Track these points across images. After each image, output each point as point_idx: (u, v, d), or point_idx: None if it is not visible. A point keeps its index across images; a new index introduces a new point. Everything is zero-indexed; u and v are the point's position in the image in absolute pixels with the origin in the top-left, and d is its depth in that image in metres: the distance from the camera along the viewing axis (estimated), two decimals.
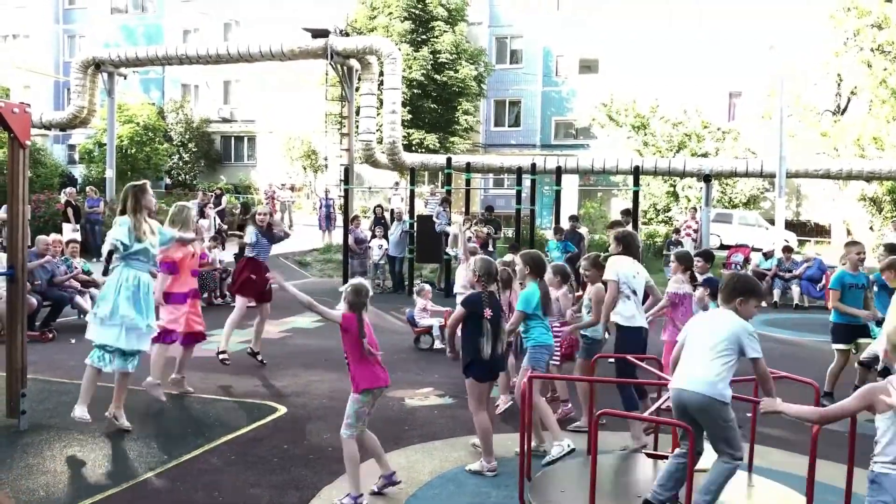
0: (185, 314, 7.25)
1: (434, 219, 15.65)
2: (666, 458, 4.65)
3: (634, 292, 6.10)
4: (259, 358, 8.71)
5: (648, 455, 5.36)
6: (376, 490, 4.96)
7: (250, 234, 8.64)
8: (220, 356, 8.31)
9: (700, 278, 7.42)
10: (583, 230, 15.99)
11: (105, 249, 6.18)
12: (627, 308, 6.05)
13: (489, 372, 5.39)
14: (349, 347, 4.88)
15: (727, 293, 4.25)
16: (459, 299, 7.84)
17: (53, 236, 11.56)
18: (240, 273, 8.67)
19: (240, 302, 8.58)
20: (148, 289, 6.22)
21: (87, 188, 21.00)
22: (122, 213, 6.15)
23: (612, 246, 6.50)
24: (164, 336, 7.03)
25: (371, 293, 5.03)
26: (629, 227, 15.38)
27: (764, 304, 15.27)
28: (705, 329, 4.23)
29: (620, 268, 6.10)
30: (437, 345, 10.06)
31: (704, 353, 4.11)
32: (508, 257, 7.81)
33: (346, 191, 16.97)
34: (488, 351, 5.23)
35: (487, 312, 5.26)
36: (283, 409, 6.84)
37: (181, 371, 7.54)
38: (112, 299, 6.00)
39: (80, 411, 6.01)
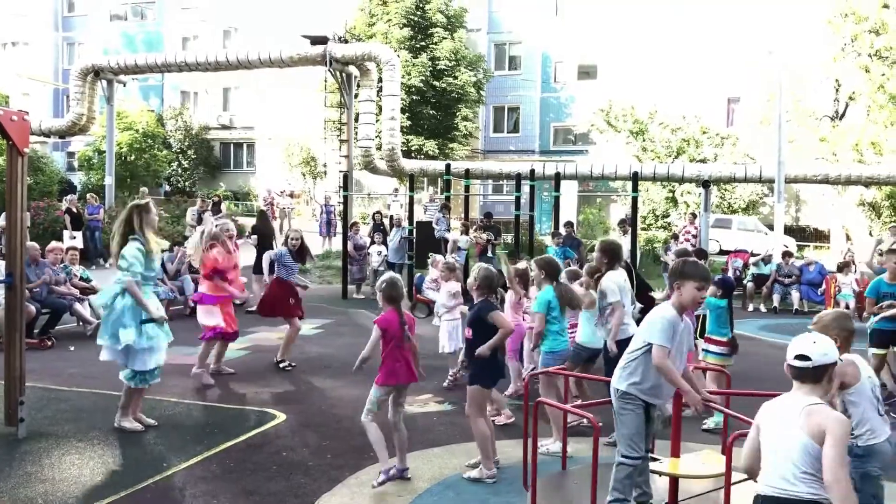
0: (222, 313, 7.99)
1: (434, 225, 15.65)
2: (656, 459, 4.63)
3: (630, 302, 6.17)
4: (283, 365, 8.84)
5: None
6: (377, 484, 5.10)
7: (281, 254, 8.95)
8: (281, 364, 8.78)
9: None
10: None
11: (128, 286, 6.17)
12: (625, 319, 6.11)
13: (494, 378, 5.46)
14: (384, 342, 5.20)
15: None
16: (444, 313, 7.91)
17: (53, 244, 11.54)
18: (273, 295, 8.90)
19: (291, 322, 8.91)
20: (157, 306, 6.44)
21: (88, 195, 21.01)
22: (130, 233, 6.17)
23: (596, 255, 6.41)
24: (208, 333, 7.87)
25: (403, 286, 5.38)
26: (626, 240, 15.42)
27: (763, 308, 15.28)
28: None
29: (619, 284, 6.08)
30: (436, 321, 10.00)
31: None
32: (522, 264, 7.74)
33: (345, 197, 16.96)
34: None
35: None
36: (282, 417, 6.82)
37: (218, 362, 8.31)
38: (134, 326, 6.10)
39: (129, 423, 6.31)
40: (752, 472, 3.12)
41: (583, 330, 6.59)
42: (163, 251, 8.43)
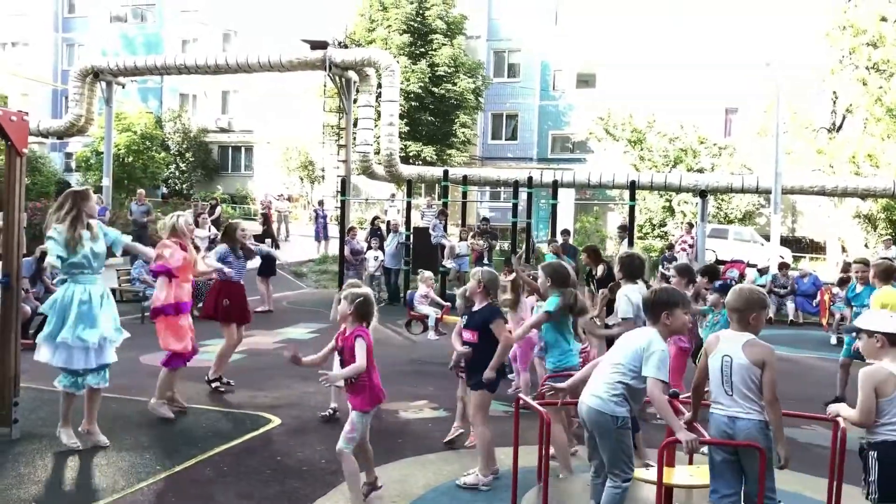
0: (188, 331, 6.98)
1: (430, 231, 15.67)
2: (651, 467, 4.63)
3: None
4: (225, 381, 8.02)
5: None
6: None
7: (223, 251, 8.00)
8: (214, 384, 7.88)
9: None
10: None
11: (49, 267, 5.95)
12: None
13: (497, 382, 5.47)
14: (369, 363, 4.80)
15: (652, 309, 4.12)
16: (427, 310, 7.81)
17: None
18: (216, 298, 7.93)
19: (226, 331, 8.01)
20: (102, 300, 5.92)
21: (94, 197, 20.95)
22: (59, 220, 5.75)
23: (613, 269, 6.45)
24: (174, 360, 6.90)
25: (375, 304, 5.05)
26: (624, 247, 15.46)
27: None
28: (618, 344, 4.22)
29: (634, 299, 5.85)
30: (431, 335, 10.00)
31: (606, 368, 4.10)
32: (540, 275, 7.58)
33: (342, 202, 16.98)
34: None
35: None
36: (276, 421, 6.81)
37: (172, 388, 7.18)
38: (55, 321, 5.73)
39: (67, 437, 5.88)
40: None
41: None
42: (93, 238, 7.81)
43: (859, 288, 8.21)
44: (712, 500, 3.98)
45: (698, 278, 7.58)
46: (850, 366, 8.00)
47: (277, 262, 14.49)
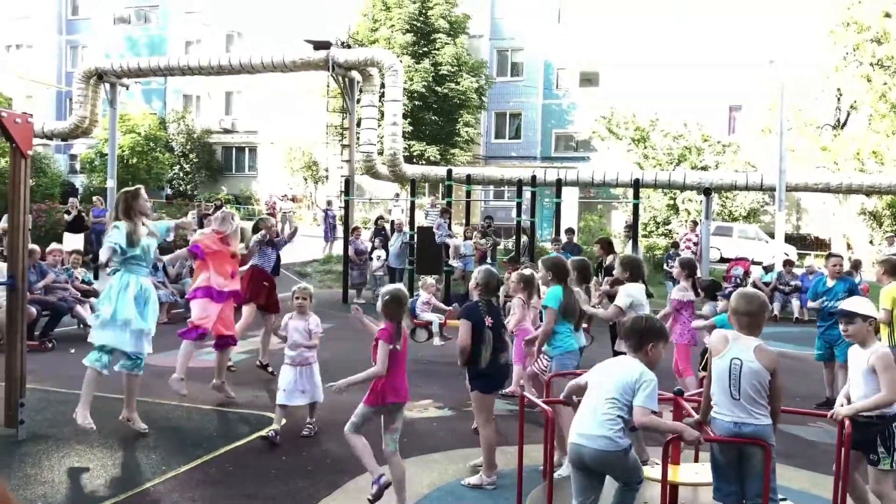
0: (215, 314, 7.37)
1: (434, 230, 15.67)
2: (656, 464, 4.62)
3: None
4: (269, 370, 8.61)
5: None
6: (372, 498, 4.85)
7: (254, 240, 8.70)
8: (267, 367, 8.55)
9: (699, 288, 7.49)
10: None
11: (103, 254, 6.18)
12: None
13: (493, 383, 5.40)
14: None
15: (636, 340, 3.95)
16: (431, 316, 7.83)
17: (53, 245, 11.56)
18: (250, 281, 8.53)
19: (248, 311, 8.56)
20: (149, 293, 6.29)
21: (95, 198, 21.04)
22: (117, 218, 6.23)
23: (617, 270, 6.56)
24: (191, 332, 7.29)
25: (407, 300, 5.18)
26: (629, 246, 15.46)
27: (766, 309, 15.25)
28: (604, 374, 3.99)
29: (634, 297, 6.20)
30: (437, 341, 10.00)
31: (599, 404, 3.85)
32: (527, 271, 7.59)
33: (346, 202, 16.99)
34: (487, 359, 5.22)
35: (488, 321, 5.27)
36: (282, 421, 6.81)
37: (220, 376, 7.58)
38: (113, 301, 6.07)
39: (83, 418, 6.01)
40: None
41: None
42: (162, 253, 8.46)
43: (830, 282, 8.23)
44: (716, 499, 3.98)
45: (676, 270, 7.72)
46: (832, 366, 8.09)
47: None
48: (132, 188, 6.45)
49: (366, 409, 4.88)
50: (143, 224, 6.32)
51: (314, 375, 6.53)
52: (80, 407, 6.06)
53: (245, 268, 8.61)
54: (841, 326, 4.43)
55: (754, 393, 3.82)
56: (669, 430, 3.95)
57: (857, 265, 13.80)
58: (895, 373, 4.10)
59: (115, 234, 6.09)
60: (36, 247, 10.72)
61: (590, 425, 3.81)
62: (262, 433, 6.28)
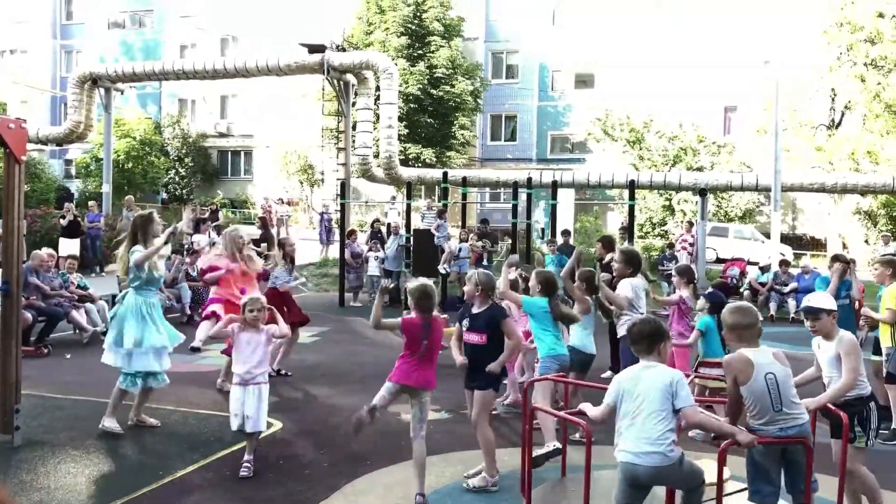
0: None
1: (433, 231, 15.64)
2: None
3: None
4: (283, 372, 8.88)
5: None
6: None
7: (280, 270, 8.88)
8: (282, 372, 8.77)
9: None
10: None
11: (133, 265, 6.43)
12: None
13: (500, 382, 5.51)
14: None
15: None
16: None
17: (46, 250, 11.51)
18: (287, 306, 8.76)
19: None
20: (158, 310, 6.68)
21: (90, 203, 21.00)
22: (134, 242, 6.50)
23: (619, 266, 6.51)
24: (208, 314, 7.70)
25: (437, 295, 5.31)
26: (626, 244, 15.46)
27: (760, 317, 15.27)
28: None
29: (635, 289, 6.30)
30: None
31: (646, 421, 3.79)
32: (512, 274, 7.54)
33: (342, 205, 16.99)
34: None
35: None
36: (278, 424, 6.81)
37: (225, 376, 7.89)
38: (136, 328, 6.36)
39: (111, 423, 6.39)
40: None
41: (576, 334, 6.63)
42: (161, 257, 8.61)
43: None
44: (753, 500, 4.00)
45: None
46: None
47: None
48: (146, 213, 6.78)
49: (387, 384, 5.17)
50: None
51: (261, 401, 5.65)
52: (109, 414, 6.44)
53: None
54: (808, 323, 4.64)
55: (792, 396, 3.94)
56: (723, 432, 3.96)
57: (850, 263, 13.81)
58: (857, 359, 4.41)
59: (139, 257, 6.43)
60: (42, 253, 10.75)
61: (639, 443, 3.77)
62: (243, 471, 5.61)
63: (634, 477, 3.79)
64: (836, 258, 8.75)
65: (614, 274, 7.08)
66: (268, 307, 5.82)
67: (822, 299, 4.63)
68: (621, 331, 6.58)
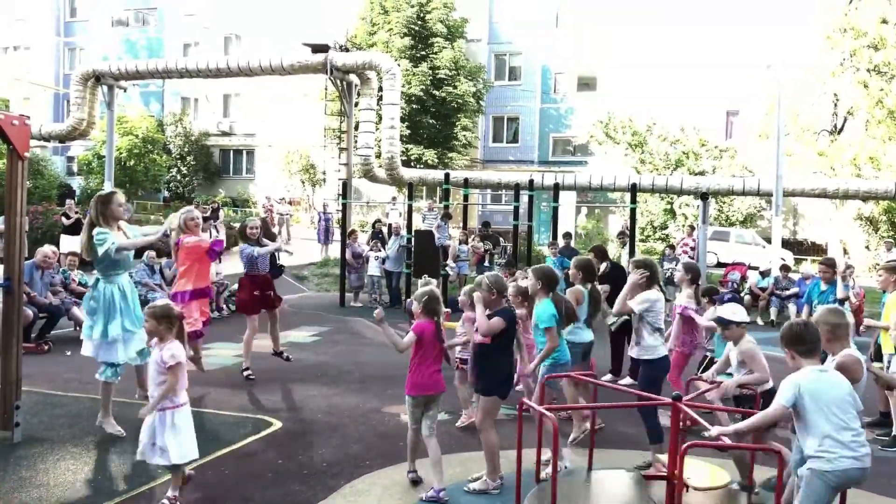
0: (198, 312, 7.79)
1: (434, 230, 15.64)
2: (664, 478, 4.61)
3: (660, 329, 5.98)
4: (285, 356, 8.90)
5: (647, 477, 5.30)
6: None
7: (243, 248, 8.63)
8: (245, 373, 8.52)
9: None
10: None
11: (101, 252, 6.27)
12: (656, 339, 5.89)
13: (509, 388, 5.47)
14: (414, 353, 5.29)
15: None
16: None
17: (49, 248, 11.51)
18: (243, 291, 8.63)
19: (250, 321, 8.59)
20: (132, 293, 6.54)
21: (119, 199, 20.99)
22: (95, 223, 6.30)
23: (616, 267, 6.46)
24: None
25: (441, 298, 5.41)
26: (626, 251, 15.45)
27: (761, 321, 15.29)
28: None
29: (658, 303, 5.98)
30: None
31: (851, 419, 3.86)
32: (524, 282, 7.43)
33: (344, 205, 16.99)
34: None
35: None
36: (277, 424, 6.81)
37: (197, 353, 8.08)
38: (102, 320, 6.27)
39: (110, 427, 6.31)
40: None
41: (568, 327, 6.63)
42: (159, 255, 8.70)
43: (824, 286, 8.52)
44: None
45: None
46: None
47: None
48: (105, 192, 6.55)
49: (407, 399, 5.32)
50: (120, 229, 6.44)
51: (174, 430, 4.81)
52: (102, 415, 6.36)
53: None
54: (719, 331, 5.58)
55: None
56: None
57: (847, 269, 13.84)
58: (760, 359, 5.33)
59: (107, 237, 6.25)
60: (47, 250, 10.71)
61: (857, 447, 3.78)
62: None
63: (851, 481, 3.83)
64: (826, 263, 8.81)
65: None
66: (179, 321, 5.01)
67: (733, 311, 5.46)
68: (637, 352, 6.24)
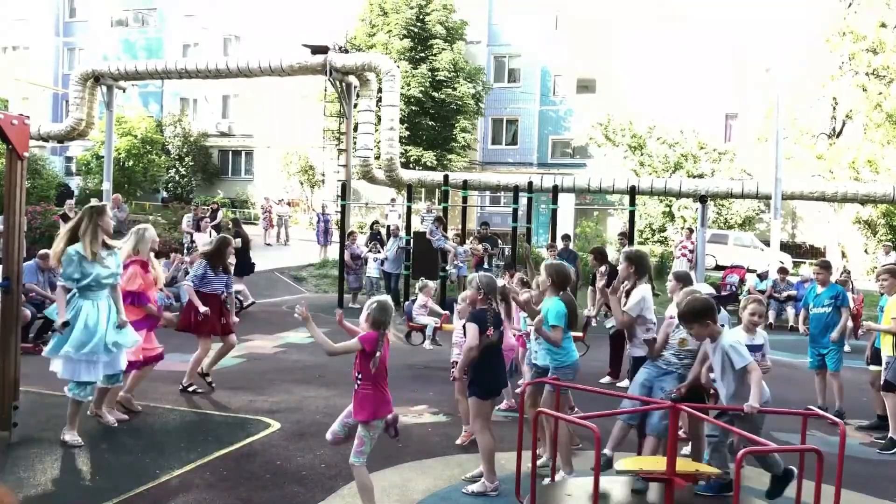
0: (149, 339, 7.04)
1: (428, 237, 15.63)
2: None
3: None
4: (209, 380, 8.14)
5: (646, 478, 5.27)
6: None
7: (201, 267, 8.12)
8: (190, 388, 7.97)
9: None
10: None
11: (59, 289, 6.05)
12: (651, 335, 5.77)
13: (492, 390, 5.43)
14: (362, 369, 4.64)
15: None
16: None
17: (45, 250, 11.48)
18: (190, 311, 7.98)
19: (201, 342, 8.00)
20: (108, 309, 6.12)
21: (92, 200, 21.00)
22: (74, 238, 5.97)
23: (622, 266, 6.10)
24: (138, 363, 6.95)
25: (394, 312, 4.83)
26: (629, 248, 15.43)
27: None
28: None
29: (648, 299, 5.85)
30: (427, 345, 10.01)
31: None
32: (500, 281, 7.37)
33: (342, 206, 16.99)
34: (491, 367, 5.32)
35: (490, 331, 5.27)
36: (276, 425, 6.81)
37: (131, 391, 7.19)
38: (77, 339, 5.89)
39: (71, 436, 6.06)
40: None
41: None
42: (158, 257, 8.25)
43: (820, 289, 8.39)
44: None
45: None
46: (824, 374, 8.31)
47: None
48: (100, 205, 6.23)
49: (366, 428, 4.63)
50: (104, 244, 6.09)
51: None
52: (68, 428, 6.08)
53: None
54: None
55: None
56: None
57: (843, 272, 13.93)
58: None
59: (67, 269, 5.89)
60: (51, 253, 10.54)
61: None
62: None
63: None
64: (820, 265, 8.70)
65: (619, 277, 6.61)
66: None
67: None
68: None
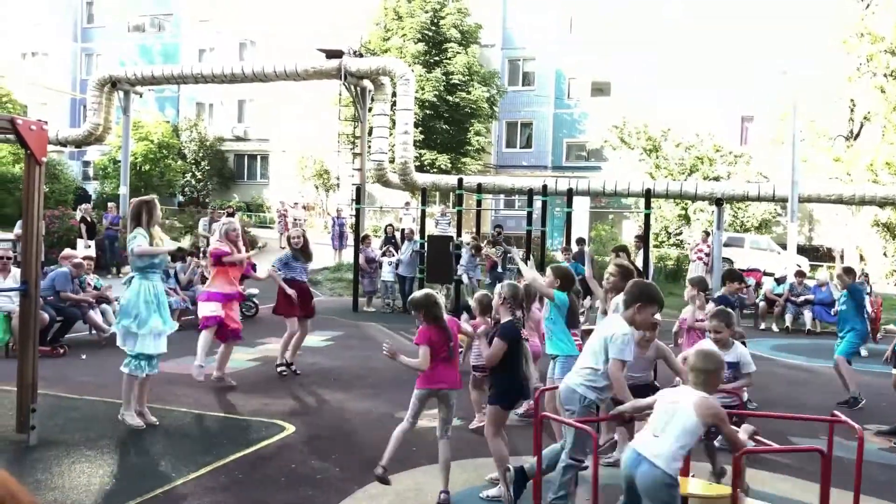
0: (220, 309, 8.10)
1: (462, 263, 15.60)
2: None
3: None
4: (293, 369, 9.04)
5: None
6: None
7: (285, 256, 9.19)
8: (279, 368, 8.94)
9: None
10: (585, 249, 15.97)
11: (129, 248, 6.78)
12: None
13: (518, 399, 5.46)
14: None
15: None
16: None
17: (67, 251, 11.62)
18: (282, 295, 9.00)
19: (289, 322, 8.98)
20: (163, 296, 6.86)
21: (109, 204, 21.20)
22: (136, 226, 6.66)
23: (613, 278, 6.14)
24: (209, 320, 8.06)
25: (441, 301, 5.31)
26: (640, 256, 15.37)
27: (776, 328, 15.17)
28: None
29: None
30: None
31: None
32: (480, 293, 7.40)
33: (357, 210, 17.03)
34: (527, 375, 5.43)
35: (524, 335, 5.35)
36: (291, 428, 6.82)
37: (221, 369, 8.33)
38: (141, 311, 6.56)
39: (130, 418, 6.58)
40: None
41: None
42: (174, 260, 9.17)
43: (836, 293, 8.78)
44: None
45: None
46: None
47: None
48: (149, 197, 6.89)
49: (417, 391, 5.25)
50: (153, 235, 6.76)
51: None
52: (127, 411, 6.62)
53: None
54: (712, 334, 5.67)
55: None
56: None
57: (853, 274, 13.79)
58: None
59: (143, 241, 6.61)
60: (80, 260, 10.99)
61: None
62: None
63: None
64: (847, 270, 8.81)
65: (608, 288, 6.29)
66: None
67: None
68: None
